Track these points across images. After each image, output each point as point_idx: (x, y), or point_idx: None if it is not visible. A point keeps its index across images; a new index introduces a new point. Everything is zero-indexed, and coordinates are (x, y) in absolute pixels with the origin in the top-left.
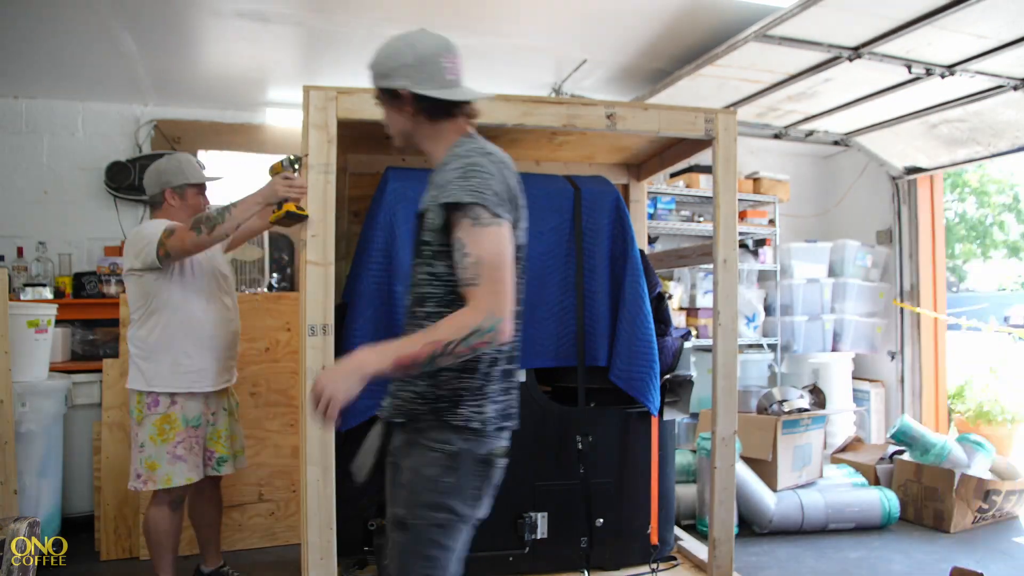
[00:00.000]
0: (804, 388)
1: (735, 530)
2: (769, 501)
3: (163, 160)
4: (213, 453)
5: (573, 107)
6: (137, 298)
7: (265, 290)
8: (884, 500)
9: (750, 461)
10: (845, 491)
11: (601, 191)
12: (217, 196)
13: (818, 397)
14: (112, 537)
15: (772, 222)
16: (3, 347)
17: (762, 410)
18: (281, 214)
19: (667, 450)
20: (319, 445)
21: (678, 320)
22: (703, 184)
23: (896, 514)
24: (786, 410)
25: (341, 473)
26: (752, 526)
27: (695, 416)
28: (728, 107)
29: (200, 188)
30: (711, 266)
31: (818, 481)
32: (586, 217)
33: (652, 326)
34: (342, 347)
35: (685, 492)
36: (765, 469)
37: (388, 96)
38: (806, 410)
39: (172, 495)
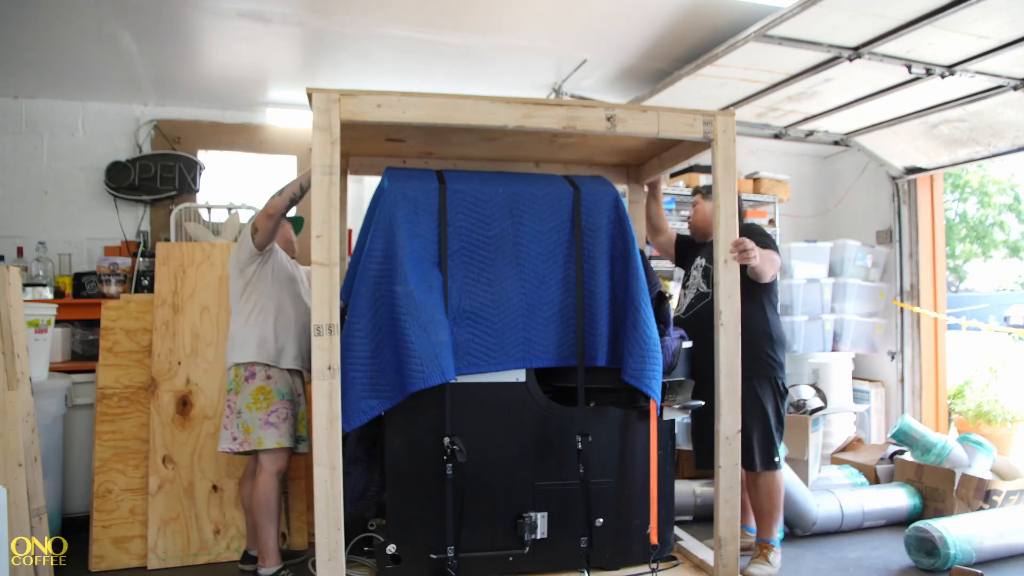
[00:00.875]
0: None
1: (780, 533)
2: (812, 504)
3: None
4: (296, 432)
5: (573, 109)
6: (237, 294)
7: None
8: (909, 495)
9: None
10: (874, 490)
11: (601, 191)
12: (223, 196)
13: (818, 397)
14: None
15: (772, 222)
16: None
17: None
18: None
19: (667, 450)
20: (327, 445)
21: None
22: (703, 184)
23: (920, 508)
24: (811, 408)
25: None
26: (795, 529)
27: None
28: (728, 107)
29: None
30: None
31: (820, 480)
32: (586, 217)
33: (655, 325)
34: (342, 348)
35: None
36: (797, 468)
37: None
38: (819, 409)
39: (278, 466)
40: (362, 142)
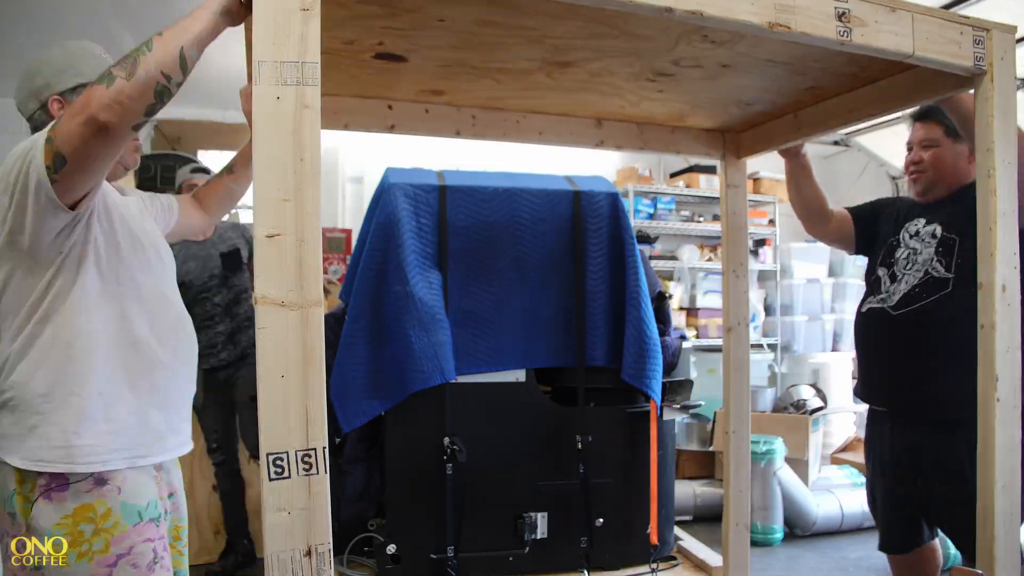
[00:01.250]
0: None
1: (780, 534)
2: (812, 504)
3: (42, 57)
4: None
5: None
6: (10, 296)
7: None
8: None
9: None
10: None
11: (600, 191)
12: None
13: (818, 397)
14: None
15: (772, 222)
16: None
17: (780, 409)
18: None
19: (667, 450)
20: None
21: (678, 320)
22: (703, 184)
23: None
24: (811, 408)
25: (340, 473)
26: (795, 529)
27: (696, 416)
28: None
29: None
30: (711, 264)
31: (820, 480)
32: (586, 217)
33: (655, 325)
34: (342, 347)
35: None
36: (797, 468)
37: None
38: (819, 409)
39: None
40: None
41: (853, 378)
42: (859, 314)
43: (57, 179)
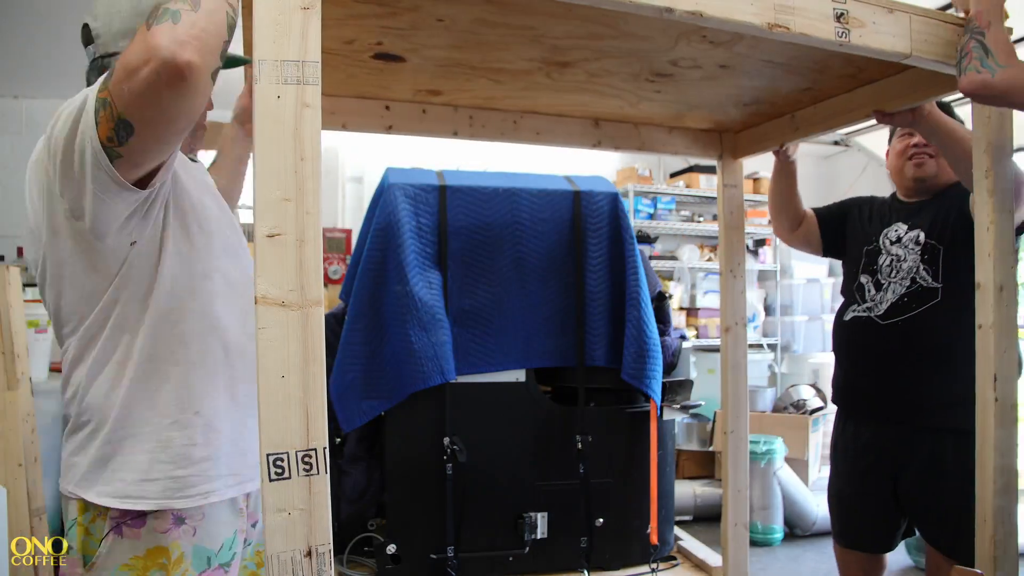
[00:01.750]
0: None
1: (780, 534)
2: (812, 504)
3: None
4: None
5: None
6: (72, 294)
7: None
8: None
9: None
10: None
11: (600, 191)
12: None
13: (818, 397)
14: None
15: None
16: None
17: (780, 409)
18: None
19: (667, 450)
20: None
21: (678, 320)
22: (703, 184)
23: None
24: (811, 408)
25: (340, 472)
26: (795, 529)
27: (696, 416)
28: None
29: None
30: (711, 264)
31: (820, 480)
32: (585, 217)
33: (655, 325)
34: (341, 348)
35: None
36: (797, 468)
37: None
38: (819, 409)
39: None
40: (350, 81)
41: None
42: (841, 322)
43: (123, 153)
